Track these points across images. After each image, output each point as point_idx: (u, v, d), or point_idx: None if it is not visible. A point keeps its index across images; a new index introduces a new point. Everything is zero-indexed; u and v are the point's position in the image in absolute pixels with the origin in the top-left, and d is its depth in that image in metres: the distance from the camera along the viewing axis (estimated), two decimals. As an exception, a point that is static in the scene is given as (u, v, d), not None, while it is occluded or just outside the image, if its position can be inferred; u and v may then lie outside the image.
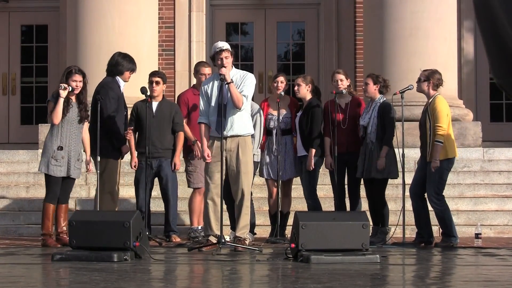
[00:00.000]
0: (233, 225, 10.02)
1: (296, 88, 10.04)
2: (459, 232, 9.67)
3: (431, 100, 9.39)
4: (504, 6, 3.77)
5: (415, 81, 9.70)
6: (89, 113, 9.59)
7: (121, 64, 9.73)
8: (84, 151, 9.59)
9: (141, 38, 13.11)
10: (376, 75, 9.90)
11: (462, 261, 8.23)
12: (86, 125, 9.58)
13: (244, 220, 8.89)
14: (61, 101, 9.28)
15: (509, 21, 3.77)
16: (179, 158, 9.92)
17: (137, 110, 10.02)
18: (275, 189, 10.03)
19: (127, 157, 10.13)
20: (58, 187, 9.41)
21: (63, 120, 9.35)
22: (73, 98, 9.43)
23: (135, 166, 9.87)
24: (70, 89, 9.33)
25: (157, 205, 10.61)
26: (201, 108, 9.01)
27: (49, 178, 9.41)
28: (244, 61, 15.58)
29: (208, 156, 8.81)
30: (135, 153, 9.90)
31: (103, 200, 9.42)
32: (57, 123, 9.32)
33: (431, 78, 9.46)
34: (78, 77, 9.41)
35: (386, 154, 9.51)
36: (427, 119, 9.31)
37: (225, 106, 8.79)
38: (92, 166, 9.60)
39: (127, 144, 9.78)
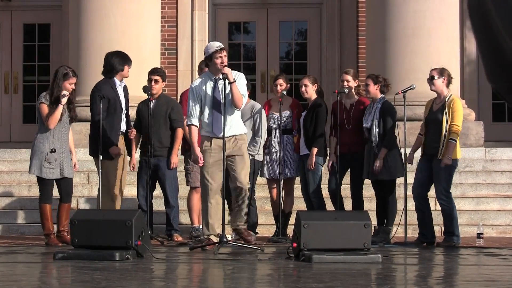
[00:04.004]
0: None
1: (303, 89, 10.02)
2: (461, 231, 9.66)
3: (448, 98, 9.36)
4: (498, 10, 3.76)
5: (418, 81, 9.71)
6: (76, 112, 9.66)
7: (117, 62, 9.71)
8: (70, 149, 9.61)
9: (143, 37, 13.11)
10: (376, 75, 9.89)
11: (464, 261, 8.23)
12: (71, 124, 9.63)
13: (241, 212, 8.93)
14: (60, 108, 9.31)
15: (504, 25, 3.76)
16: (176, 155, 9.90)
17: (139, 110, 10.06)
18: (275, 190, 10.06)
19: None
20: (51, 188, 9.46)
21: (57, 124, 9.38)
22: None
23: (133, 168, 9.90)
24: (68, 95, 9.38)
25: (158, 204, 10.61)
26: (191, 110, 8.95)
27: (42, 181, 9.43)
28: (246, 61, 15.57)
29: (200, 159, 8.81)
30: (135, 154, 9.89)
31: (102, 201, 9.43)
32: (52, 128, 9.34)
33: (444, 74, 9.45)
34: (74, 80, 9.47)
35: (387, 156, 9.51)
36: (444, 117, 9.27)
37: (222, 106, 8.76)
38: (77, 166, 9.66)
39: (133, 143, 9.82)
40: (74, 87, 9.48)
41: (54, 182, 9.51)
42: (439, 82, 9.44)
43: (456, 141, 9.23)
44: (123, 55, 9.83)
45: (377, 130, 9.56)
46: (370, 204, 10.24)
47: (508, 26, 3.71)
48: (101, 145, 9.36)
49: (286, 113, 10.08)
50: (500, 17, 3.72)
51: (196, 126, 8.91)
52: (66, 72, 9.48)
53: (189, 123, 8.94)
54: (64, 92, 9.32)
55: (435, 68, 9.64)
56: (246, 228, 9.11)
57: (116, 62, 9.72)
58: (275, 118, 10.05)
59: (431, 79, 9.48)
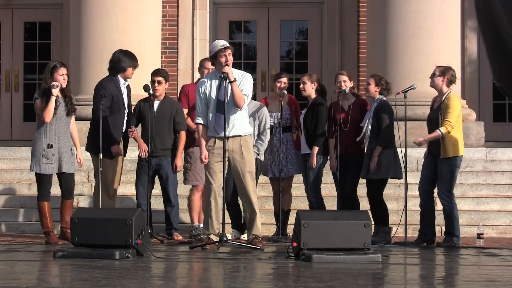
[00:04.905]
0: (235, 224, 10.03)
1: (301, 86, 10.04)
2: (461, 232, 9.65)
3: (444, 97, 9.38)
4: (505, 9, 3.76)
5: (419, 81, 9.71)
6: (75, 106, 9.59)
7: (123, 61, 9.71)
8: (74, 145, 9.57)
9: (144, 36, 13.10)
10: (380, 77, 9.88)
11: (464, 261, 8.23)
12: (73, 119, 9.57)
13: (258, 218, 8.86)
14: (53, 99, 9.25)
15: (510, 24, 3.76)
16: (180, 158, 9.89)
17: (139, 109, 10.03)
18: (277, 187, 10.05)
19: (129, 154, 10.14)
20: (49, 185, 9.41)
21: (52, 118, 9.35)
22: (59, 93, 9.40)
23: (145, 153, 9.76)
24: (60, 86, 9.32)
25: (158, 203, 10.61)
26: (198, 109, 8.96)
27: (40, 177, 9.40)
28: (246, 60, 15.57)
29: (205, 158, 8.78)
30: (143, 144, 9.80)
31: (100, 198, 9.42)
32: (48, 121, 9.29)
33: (446, 73, 9.46)
34: (63, 70, 9.39)
35: (380, 154, 9.49)
36: (440, 116, 9.29)
37: (225, 105, 8.74)
38: (82, 161, 9.59)
39: (137, 140, 9.79)
40: (66, 78, 9.41)
41: (52, 179, 9.47)
42: (438, 80, 9.47)
43: (441, 133, 9.20)
44: (131, 56, 9.80)
45: (369, 128, 9.55)
46: (367, 204, 10.22)
47: None
48: (102, 143, 9.35)
49: (286, 111, 10.09)
50: (507, 16, 3.73)
51: (203, 125, 8.89)
52: (53, 65, 9.45)
53: (196, 121, 8.94)
54: (54, 82, 9.27)
55: (440, 66, 9.66)
56: (258, 235, 8.89)
57: (122, 61, 9.70)
58: (275, 117, 10.05)
59: (432, 76, 9.52)
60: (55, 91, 9.24)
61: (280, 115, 10.00)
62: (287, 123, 10.09)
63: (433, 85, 9.53)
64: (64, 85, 9.41)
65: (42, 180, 9.40)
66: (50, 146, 9.33)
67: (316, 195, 9.89)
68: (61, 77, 9.36)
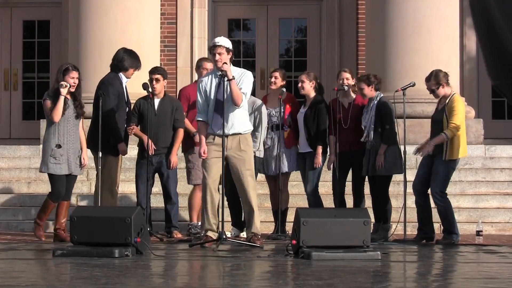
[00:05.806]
0: (234, 221, 10.03)
1: (300, 84, 10.04)
2: (460, 229, 9.68)
3: (448, 99, 9.37)
4: (500, 6, 3.75)
5: (418, 78, 9.69)
6: (84, 109, 9.56)
7: (126, 60, 9.71)
8: (80, 146, 9.56)
9: (143, 34, 13.10)
10: (367, 76, 9.85)
11: (463, 258, 8.24)
12: (81, 122, 9.56)
13: (257, 216, 8.86)
14: (61, 99, 9.26)
15: (506, 21, 3.75)
16: (175, 155, 9.88)
17: (139, 107, 10.02)
18: (272, 186, 10.05)
19: (128, 152, 10.13)
20: (62, 186, 9.37)
21: (60, 118, 9.34)
22: (68, 95, 9.41)
23: (154, 150, 9.74)
24: (69, 86, 9.32)
25: (158, 201, 10.61)
26: (198, 106, 8.98)
27: (52, 177, 9.40)
28: (245, 58, 15.56)
29: (204, 152, 8.78)
30: (149, 140, 9.78)
31: (102, 197, 9.41)
32: (57, 121, 9.29)
33: (440, 80, 9.43)
34: (75, 74, 9.40)
35: (385, 151, 9.51)
36: (444, 118, 9.29)
37: (222, 103, 8.74)
38: (86, 161, 9.56)
39: (141, 137, 9.78)
40: (76, 82, 9.40)
41: (65, 180, 9.40)
42: (440, 90, 9.45)
43: (447, 135, 9.20)
44: (135, 57, 9.78)
45: (373, 127, 9.55)
46: (370, 201, 10.23)
47: (509, 21, 3.71)
48: (106, 141, 9.35)
49: (278, 108, 10.06)
50: (501, 12, 3.72)
51: (203, 121, 8.89)
52: (66, 67, 9.47)
53: (197, 118, 8.96)
54: (62, 82, 9.28)
55: (428, 78, 9.52)
56: (257, 233, 8.89)
57: (125, 60, 9.69)
58: (267, 114, 10.03)
59: (431, 92, 9.49)
60: (64, 91, 9.26)
61: (274, 112, 9.97)
62: (278, 120, 10.06)
63: (439, 96, 9.50)
64: (73, 88, 9.39)
65: (54, 181, 9.38)
66: (58, 146, 9.33)
67: (314, 193, 9.88)
68: (72, 80, 9.37)
